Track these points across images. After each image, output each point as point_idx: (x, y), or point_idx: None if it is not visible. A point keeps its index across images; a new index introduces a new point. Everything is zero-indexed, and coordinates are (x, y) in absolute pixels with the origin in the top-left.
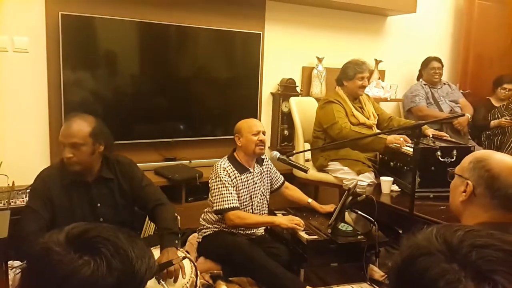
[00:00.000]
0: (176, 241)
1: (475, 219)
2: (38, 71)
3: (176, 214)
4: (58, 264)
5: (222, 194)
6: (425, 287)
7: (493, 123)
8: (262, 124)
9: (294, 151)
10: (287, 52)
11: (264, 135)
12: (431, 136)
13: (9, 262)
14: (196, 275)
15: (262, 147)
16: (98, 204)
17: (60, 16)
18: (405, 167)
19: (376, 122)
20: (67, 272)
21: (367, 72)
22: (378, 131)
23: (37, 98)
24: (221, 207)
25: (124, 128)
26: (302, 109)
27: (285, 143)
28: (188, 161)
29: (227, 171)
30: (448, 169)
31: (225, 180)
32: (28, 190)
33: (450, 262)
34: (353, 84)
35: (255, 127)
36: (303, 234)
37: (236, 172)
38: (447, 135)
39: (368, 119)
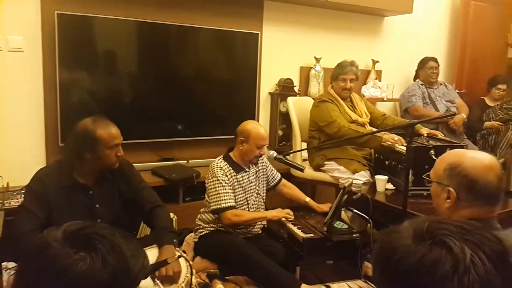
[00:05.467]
0: (175, 240)
1: (461, 217)
2: (34, 70)
3: (172, 216)
4: (55, 258)
5: (219, 193)
6: (386, 254)
7: (486, 124)
8: (267, 131)
9: (291, 151)
10: (285, 52)
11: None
12: (425, 135)
13: (3, 264)
14: (191, 274)
15: (259, 159)
16: (97, 205)
17: (56, 15)
18: (400, 166)
19: (368, 120)
20: (63, 266)
21: (351, 74)
22: (371, 128)
23: (32, 98)
24: (217, 206)
25: (121, 128)
26: (300, 109)
27: (283, 142)
28: (186, 161)
29: (224, 170)
30: (423, 176)
31: (222, 180)
32: (23, 191)
33: (409, 238)
34: (336, 85)
35: (263, 140)
36: (299, 232)
37: (232, 171)
38: (442, 134)
39: (360, 117)
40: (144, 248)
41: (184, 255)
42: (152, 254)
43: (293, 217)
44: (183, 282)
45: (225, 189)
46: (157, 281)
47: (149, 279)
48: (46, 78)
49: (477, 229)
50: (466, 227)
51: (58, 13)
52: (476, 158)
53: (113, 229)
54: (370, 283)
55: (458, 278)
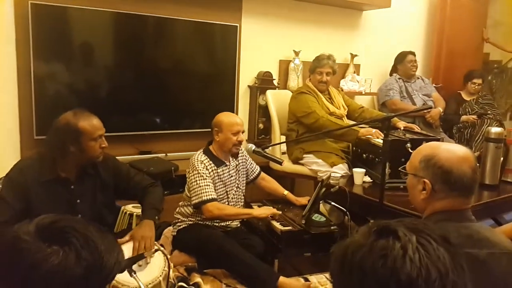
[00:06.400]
0: (156, 217)
1: (437, 209)
2: (7, 62)
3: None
4: (26, 253)
5: (200, 186)
6: (341, 259)
7: (463, 118)
8: (242, 119)
9: (269, 144)
10: (264, 45)
11: (243, 133)
12: (402, 128)
13: None
14: (169, 268)
15: (239, 147)
16: (78, 201)
17: (29, 5)
18: (377, 159)
19: (346, 113)
20: (34, 261)
21: (327, 68)
22: (348, 121)
23: (6, 90)
24: (199, 199)
25: None
26: (279, 102)
27: (262, 136)
28: (164, 154)
29: (204, 164)
30: (399, 169)
31: (203, 173)
32: None
33: (360, 235)
34: (313, 78)
35: (236, 126)
36: (277, 225)
37: (213, 165)
38: (418, 128)
39: (338, 109)
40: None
41: (162, 248)
42: (128, 248)
43: (279, 213)
44: (160, 275)
45: (206, 181)
46: (134, 275)
47: (126, 273)
48: (20, 70)
49: (416, 220)
50: (407, 220)
51: (32, 3)
52: (450, 150)
53: (87, 223)
54: None
55: (410, 258)
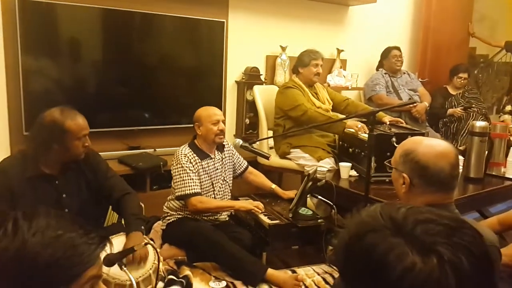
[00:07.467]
0: (142, 227)
1: (418, 203)
2: None
3: (141, 203)
4: None
5: (184, 180)
6: (374, 262)
7: (449, 111)
8: (222, 112)
9: (255, 139)
10: (251, 40)
11: (224, 123)
12: (388, 123)
13: None
14: (159, 261)
15: (222, 136)
16: (64, 195)
17: (17, 1)
18: (362, 153)
19: (331, 108)
20: None
21: (320, 60)
22: (334, 113)
23: None
24: (182, 193)
25: (87, 116)
26: (266, 97)
27: (250, 131)
28: (153, 149)
29: (188, 157)
30: (385, 162)
31: (187, 166)
32: None
33: (396, 237)
34: (308, 71)
35: (214, 116)
36: (265, 219)
37: (197, 158)
38: (403, 122)
39: (323, 104)
40: (112, 236)
41: (151, 242)
42: (119, 241)
43: (262, 210)
44: (150, 269)
45: (190, 175)
46: (124, 268)
47: (116, 266)
48: (9, 66)
49: (463, 228)
50: (453, 225)
51: None
52: (430, 145)
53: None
54: (334, 267)
55: None
